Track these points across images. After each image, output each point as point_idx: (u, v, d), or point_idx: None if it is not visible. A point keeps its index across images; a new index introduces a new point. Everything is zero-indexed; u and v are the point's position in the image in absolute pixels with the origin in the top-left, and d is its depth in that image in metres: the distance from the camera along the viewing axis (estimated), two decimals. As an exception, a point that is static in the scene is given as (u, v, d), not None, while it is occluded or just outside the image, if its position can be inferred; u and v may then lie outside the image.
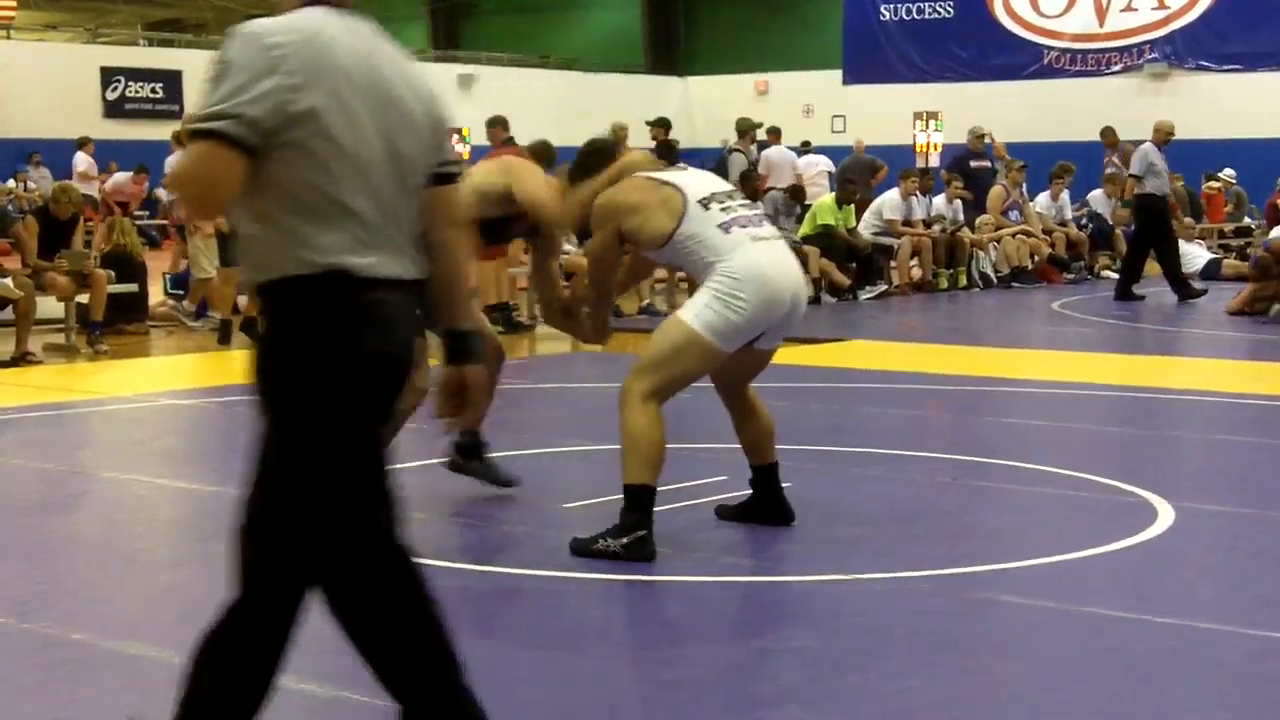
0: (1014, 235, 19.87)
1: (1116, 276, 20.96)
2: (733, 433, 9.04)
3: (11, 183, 26.87)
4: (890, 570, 5.68)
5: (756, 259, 6.01)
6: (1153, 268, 18.04)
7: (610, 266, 6.46)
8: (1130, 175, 17.93)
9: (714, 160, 21.58)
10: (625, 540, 5.79)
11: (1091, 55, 31.78)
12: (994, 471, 7.69)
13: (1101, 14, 31.66)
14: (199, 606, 5.40)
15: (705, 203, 6.14)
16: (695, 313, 5.98)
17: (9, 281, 12.45)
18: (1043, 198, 21.09)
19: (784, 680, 4.49)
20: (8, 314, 12.70)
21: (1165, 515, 6.54)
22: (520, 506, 6.91)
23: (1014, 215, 20.25)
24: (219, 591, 5.56)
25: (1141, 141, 18.00)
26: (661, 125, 20.67)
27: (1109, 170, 22.51)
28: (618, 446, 8.38)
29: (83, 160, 27.32)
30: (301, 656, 4.81)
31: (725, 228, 6.06)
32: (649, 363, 6.01)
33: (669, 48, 39.45)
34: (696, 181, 6.31)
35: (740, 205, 6.27)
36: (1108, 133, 23.43)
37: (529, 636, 4.98)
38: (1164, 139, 17.57)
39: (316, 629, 5.19)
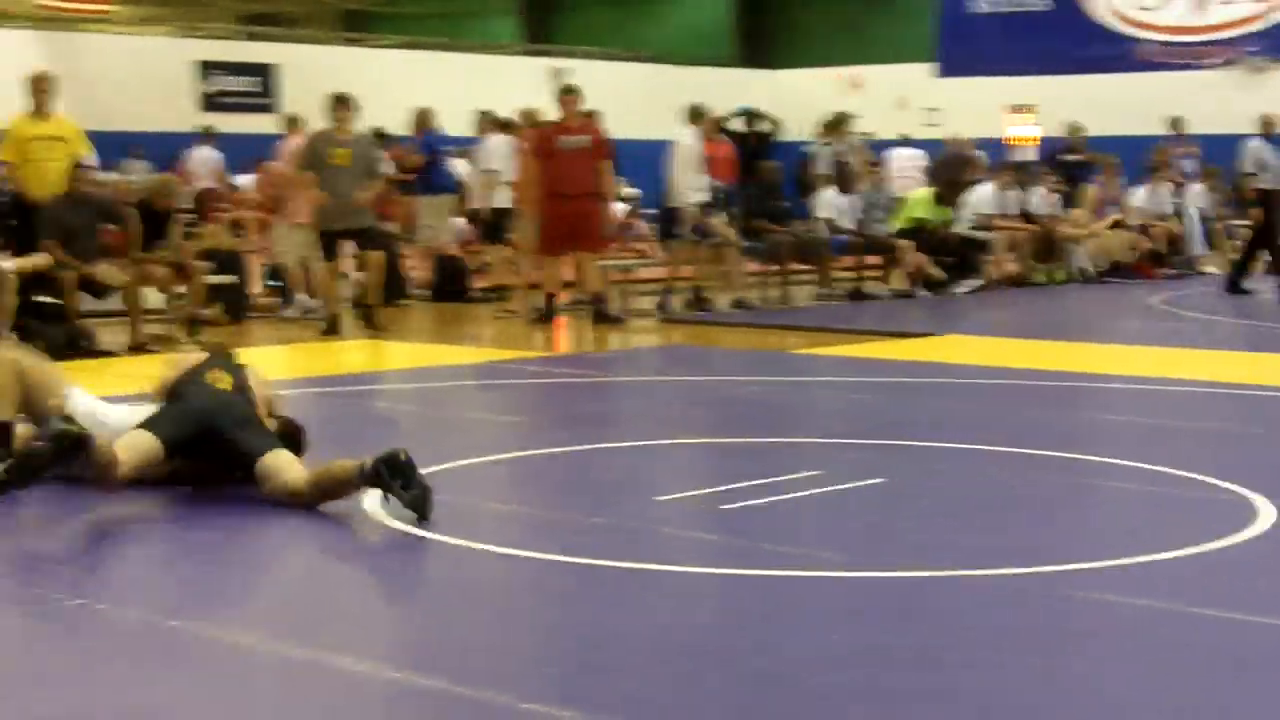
0: (1111, 229, 19.68)
1: (1220, 272, 20.78)
2: (820, 427, 9.05)
3: (114, 175, 27.20)
4: (982, 567, 5.63)
5: None
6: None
7: None
8: (1245, 174, 17.68)
9: (801, 154, 21.54)
10: None
11: (1189, 48, 31.42)
12: (1090, 468, 7.60)
13: (1199, 6, 31.29)
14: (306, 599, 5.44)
15: None
16: None
17: (112, 267, 12.64)
18: (1141, 191, 20.87)
19: (874, 676, 4.46)
20: (115, 304, 12.90)
21: (1266, 514, 6.44)
22: (609, 499, 6.91)
23: (1111, 210, 20.04)
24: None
25: (1246, 136, 17.73)
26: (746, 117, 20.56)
27: (1186, 163, 22.22)
28: (707, 440, 8.38)
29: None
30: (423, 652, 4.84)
31: None
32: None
33: (760, 40, 39.34)
34: None
35: None
36: (1178, 123, 22.98)
37: (615, 628, 4.97)
38: (1269, 131, 17.24)
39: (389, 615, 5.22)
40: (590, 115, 15.82)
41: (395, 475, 6.19)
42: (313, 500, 6.47)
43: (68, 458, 6.19)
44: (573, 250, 14.95)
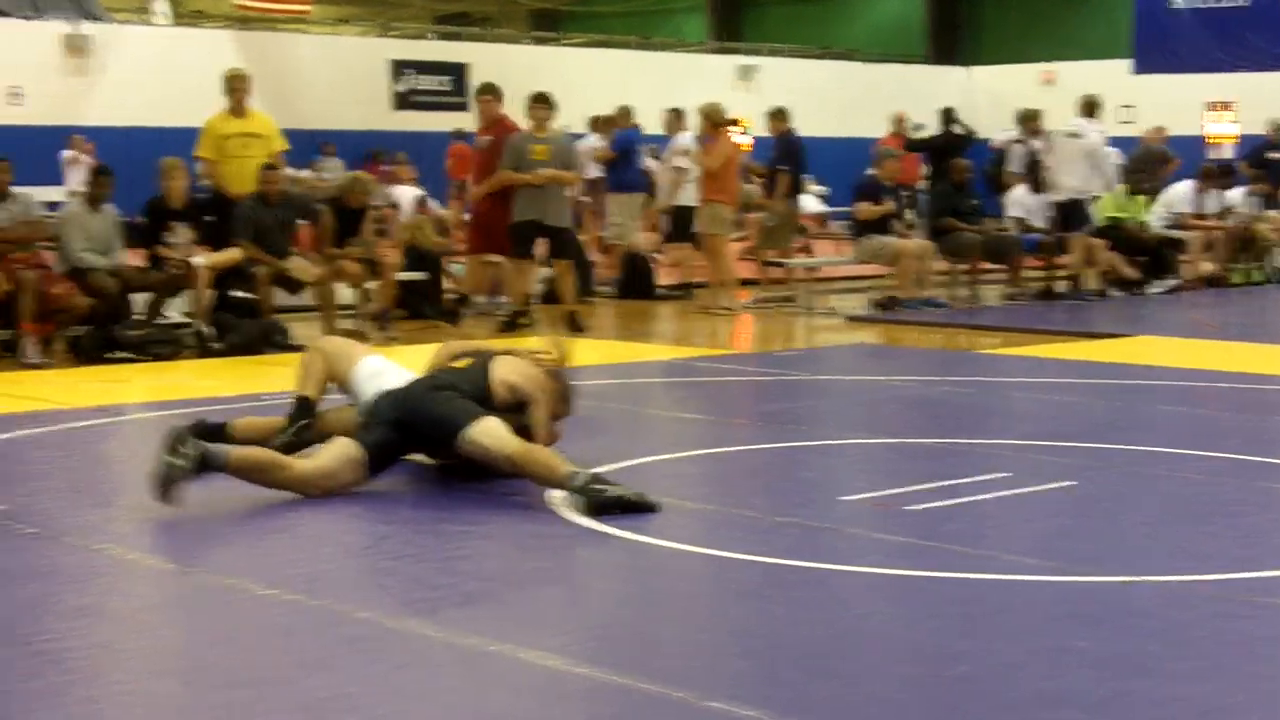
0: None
1: None
2: (1010, 429, 8.94)
3: (307, 172, 27.71)
4: (1178, 572, 5.51)
5: None
6: None
7: None
8: None
9: (993, 152, 21.27)
10: None
11: (1395, 43, 30.47)
12: (1289, 473, 7.42)
13: (1407, -1, 30.33)
14: (495, 583, 5.50)
15: None
16: None
17: (304, 261, 12.88)
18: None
19: (1066, 681, 4.38)
20: (309, 299, 13.16)
21: None
22: (795, 498, 6.88)
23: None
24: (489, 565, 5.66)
25: None
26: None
27: None
28: (893, 440, 8.32)
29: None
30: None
31: None
32: None
33: (952, 37, 38.97)
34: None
35: None
36: None
37: (799, 628, 4.94)
38: None
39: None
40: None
41: (602, 511, 6.31)
42: (509, 470, 6.62)
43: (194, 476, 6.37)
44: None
